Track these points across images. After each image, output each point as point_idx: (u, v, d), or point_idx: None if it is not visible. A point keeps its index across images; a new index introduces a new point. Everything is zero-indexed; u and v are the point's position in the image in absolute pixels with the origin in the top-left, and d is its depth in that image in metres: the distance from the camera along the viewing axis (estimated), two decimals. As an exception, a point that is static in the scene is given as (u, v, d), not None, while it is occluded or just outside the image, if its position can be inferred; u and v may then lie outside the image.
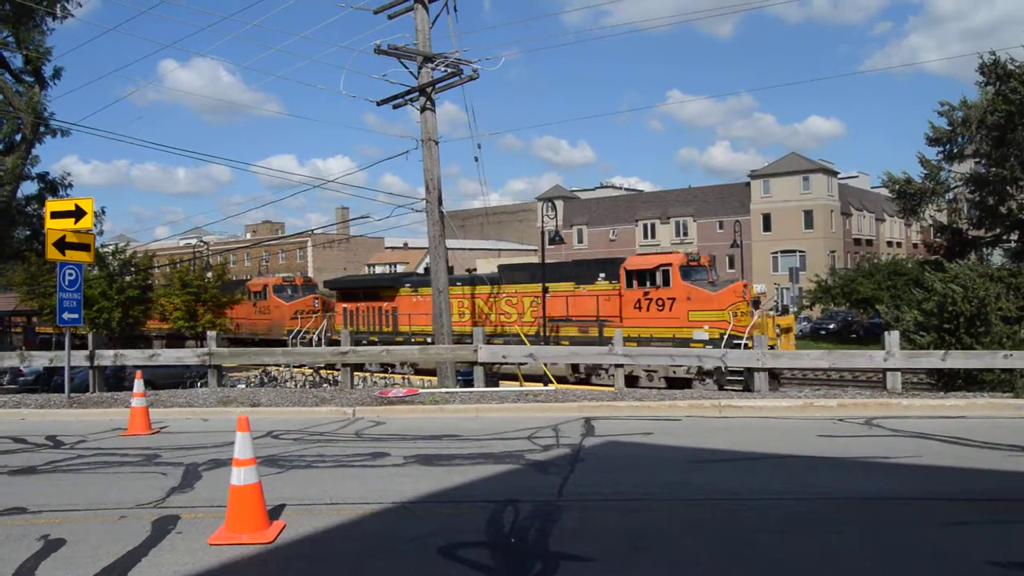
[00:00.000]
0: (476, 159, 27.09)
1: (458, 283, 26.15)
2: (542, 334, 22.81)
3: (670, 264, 21.21)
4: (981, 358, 13.06)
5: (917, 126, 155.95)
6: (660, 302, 21.15)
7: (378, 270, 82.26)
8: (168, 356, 17.24)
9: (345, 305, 30.76)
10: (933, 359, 13.30)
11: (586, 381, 21.66)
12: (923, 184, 16.83)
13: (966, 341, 13.89)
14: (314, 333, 30.98)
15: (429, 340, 22.78)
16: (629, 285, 21.84)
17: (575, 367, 21.95)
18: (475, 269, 36.25)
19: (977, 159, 17.27)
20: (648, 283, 21.41)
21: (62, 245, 13.58)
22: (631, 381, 18.40)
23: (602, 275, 23.16)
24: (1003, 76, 15.36)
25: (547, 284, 23.14)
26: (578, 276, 23.97)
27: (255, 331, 35.42)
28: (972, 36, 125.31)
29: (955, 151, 16.99)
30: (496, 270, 29.25)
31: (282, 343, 30.27)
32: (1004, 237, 16.67)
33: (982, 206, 16.59)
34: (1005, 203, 16.26)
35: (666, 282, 21.05)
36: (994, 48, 15.92)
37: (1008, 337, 13.93)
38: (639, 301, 21.60)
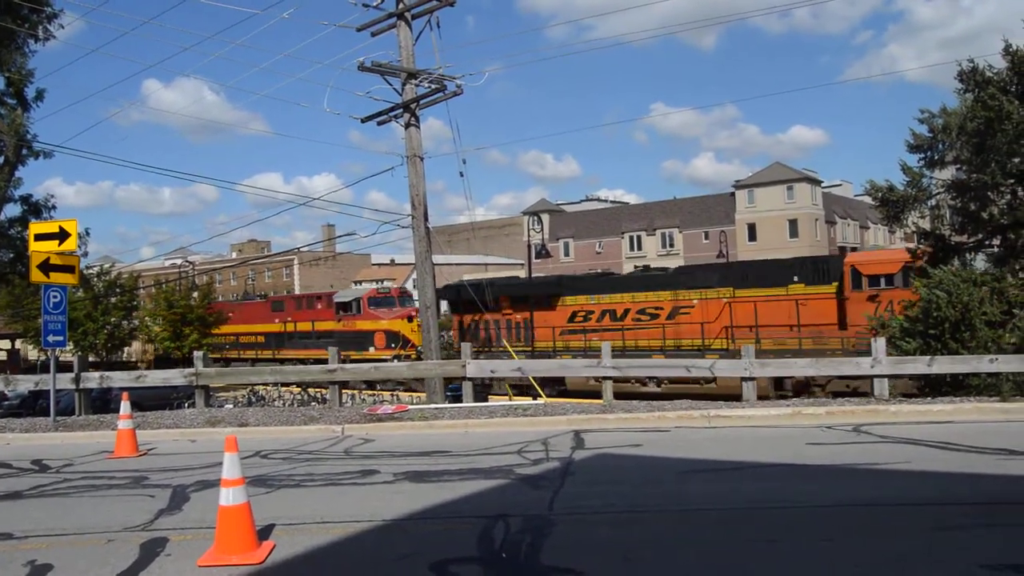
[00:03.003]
0: (461, 174, 27.27)
1: None
2: None
3: None
4: (967, 363, 13.14)
5: (898, 134, 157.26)
6: None
7: (365, 287, 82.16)
8: (154, 377, 17.12)
9: None
10: (919, 364, 13.36)
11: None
12: (905, 191, 16.90)
13: (952, 346, 13.95)
14: None
15: None
16: None
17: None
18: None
19: (958, 165, 17.37)
20: None
21: (46, 267, 13.50)
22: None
23: None
24: (981, 83, 15.48)
25: None
26: None
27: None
28: (950, 44, 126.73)
29: (936, 158, 17.08)
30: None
31: None
32: (987, 242, 16.77)
33: (964, 212, 16.69)
34: (987, 208, 16.37)
35: None
36: (972, 56, 16.06)
37: (993, 341, 13.99)
38: None
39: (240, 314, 40.37)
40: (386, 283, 76.70)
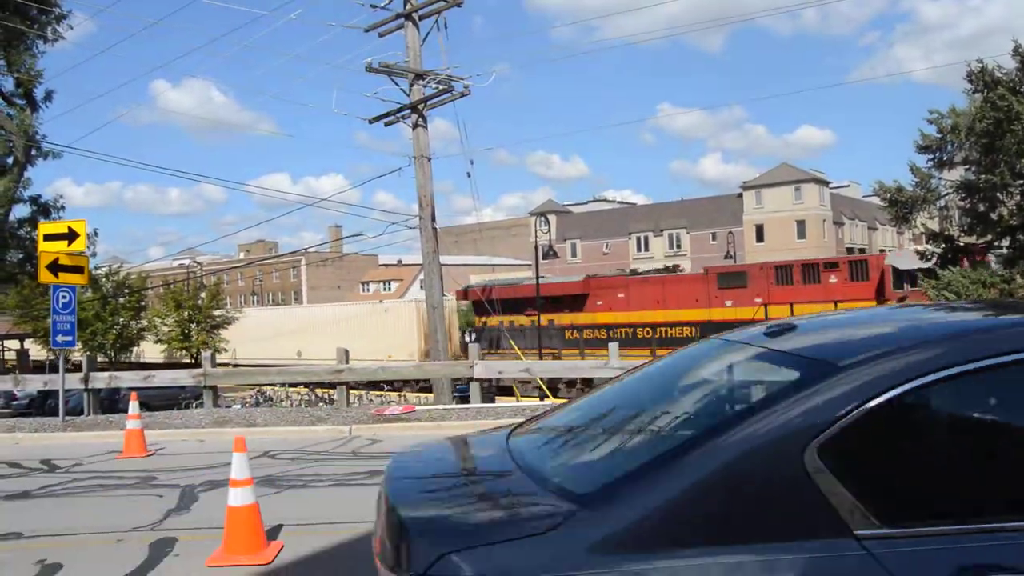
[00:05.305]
0: (469, 175, 26.95)
1: None
2: None
3: None
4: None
5: (907, 134, 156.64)
6: None
7: (372, 288, 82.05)
8: (163, 377, 17.17)
9: None
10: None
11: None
12: (914, 192, 16.89)
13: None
14: None
15: None
16: None
17: None
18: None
19: (967, 166, 17.35)
20: None
21: (55, 267, 13.53)
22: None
23: None
24: (990, 84, 15.47)
25: None
26: None
27: None
28: (958, 45, 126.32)
29: (945, 159, 17.07)
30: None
31: None
32: (996, 243, 16.73)
33: (973, 213, 16.67)
34: (996, 209, 16.34)
35: None
36: (981, 56, 16.05)
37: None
38: None
39: (641, 293, 27.49)
40: (393, 284, 76.61)
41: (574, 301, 27.91)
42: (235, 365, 32.50)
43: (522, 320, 28.96)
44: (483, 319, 30.53)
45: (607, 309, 27.24)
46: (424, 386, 25.01)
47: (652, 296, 26.41)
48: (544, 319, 28.18)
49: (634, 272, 32.49)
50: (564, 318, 27.87)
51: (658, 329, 25.32)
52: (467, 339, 29.58)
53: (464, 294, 33.75)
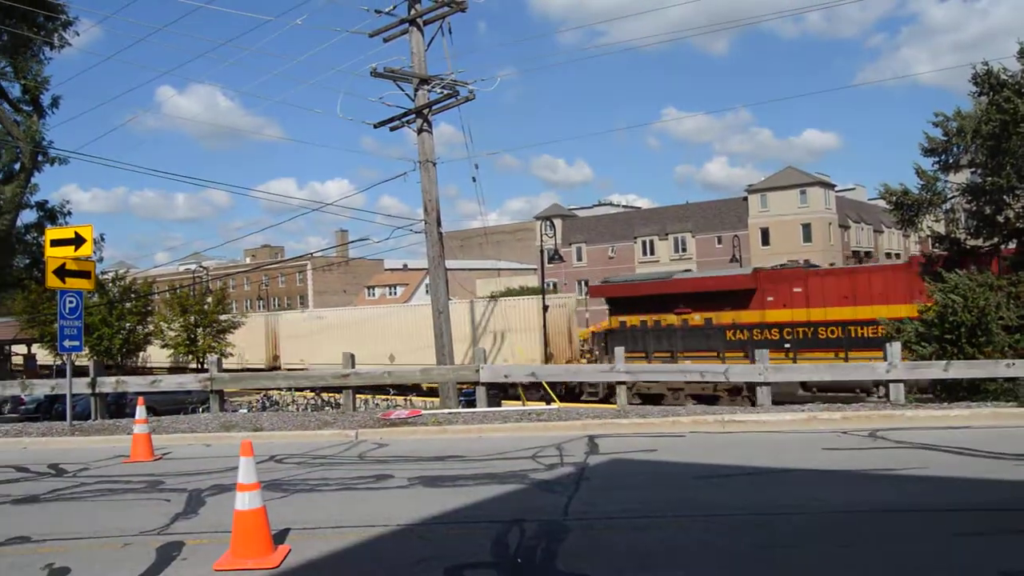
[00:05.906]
0: (474, 179, 26.32)
1: None
2: None
3: None
4: (984, 367, 13.02)
5: (912, 137, 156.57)
6: None
7: (377, 292, 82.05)
8: (169, 382, 17.21)
9: None
10: (935, 369, 13.26)
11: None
12: (920, 195, 16.82)
13: (968, 351, 13.86)
14: None
15: None
16: None
17: None
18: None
19: (973, 169, 17.28)
20: None
21: (62, 273, 13.59)
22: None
23: None
24: (996, 86, 15.41)
25: None
26: None
27: None
28: (964, 47, 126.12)
29: (951, 161, 16.99)
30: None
31: None
32: (1002, 246, 16.67)
33: (979, 215, 16.61)
34: (1002, 212, 16.28)
35: None
36: (987, 59, 16.00)
37: (1010, 346, 13.90)
38: None
39: (823, 287, 23.63)
40: (399, 288, 76.56)
41: (737, 297, 24.57)
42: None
43: (671, 319, 25.81)
44: (621, 318, 27.17)
45: (779, 306, 23.81)
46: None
47: (838, 290, 23.10)
48: (699, 317, 25.20)
49: (809, 264, 28.23)
50: (725, 316, 24.52)
51: (848, 328, 22.02)
52: (600, 341, 26.93)
53: (597, 291, 29.73)
